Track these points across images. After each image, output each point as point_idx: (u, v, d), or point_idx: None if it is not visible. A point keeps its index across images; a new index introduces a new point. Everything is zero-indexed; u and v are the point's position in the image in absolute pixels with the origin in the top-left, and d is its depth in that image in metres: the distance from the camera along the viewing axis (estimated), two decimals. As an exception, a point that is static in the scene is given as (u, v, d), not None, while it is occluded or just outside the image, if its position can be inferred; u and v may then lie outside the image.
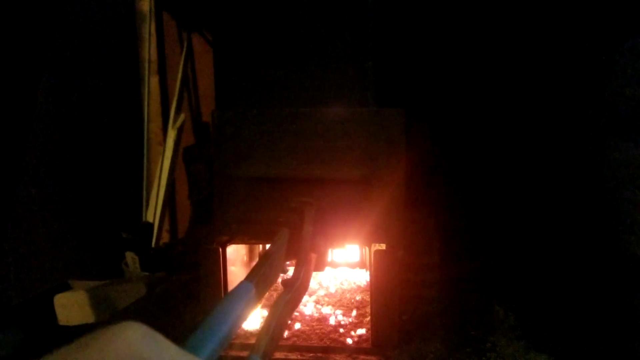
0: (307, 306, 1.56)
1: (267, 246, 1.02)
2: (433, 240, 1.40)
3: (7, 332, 1.48)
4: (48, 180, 1.93)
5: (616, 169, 1.72)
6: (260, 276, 0.68)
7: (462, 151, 2.16)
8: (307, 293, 1.04)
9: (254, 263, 1.70)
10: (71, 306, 1.62)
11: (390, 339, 1.29)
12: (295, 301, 0.78)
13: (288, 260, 0.87)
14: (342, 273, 1.90)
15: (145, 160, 2.41)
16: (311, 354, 1.28)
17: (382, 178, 1.29)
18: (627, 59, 1.67)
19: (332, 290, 1.73)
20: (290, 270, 0.83)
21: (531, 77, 2.06)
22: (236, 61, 1.43)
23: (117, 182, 2.33)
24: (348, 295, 1.68)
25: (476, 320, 1.49)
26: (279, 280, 0.80)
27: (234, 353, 1.28)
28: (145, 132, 2.42)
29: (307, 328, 1.42)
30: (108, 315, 1.61)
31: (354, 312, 1.52)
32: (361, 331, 1.39)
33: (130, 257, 1.99)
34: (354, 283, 1.80)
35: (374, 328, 1.30)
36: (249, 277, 0.66)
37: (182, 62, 2.43)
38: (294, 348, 1.31)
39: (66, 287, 1.78)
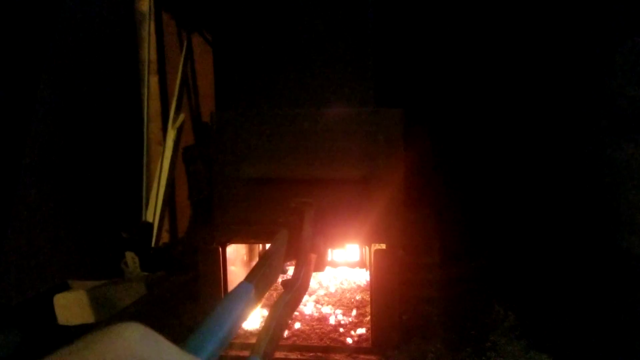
0: (307, 306, 1.56)
1: (267, 246, 1.02)
2: (433, 240, 1.40)
3: (7, 332, 1.48)
4: (48, 181, 1.93)
5: (616, 168, 1.72)
6: (260, 276, 0.68)
7: (461, 151, 2.16)
8: (307, 293, 1.04)
9: (253, 263, 1.70)
10: (71, 306, 1.62)
11: (390, 338, 1.29)
12: (296, 302, 0.78)
13: (288, 261, 0.87)
14: (342, 273, 1.90)
15: (145, 160, 2.41)
16: (311, 354, 1.28)
17: (382, 178, 1.29)
18: (627, 59, 1.67)
19: (332, 289, 1.73)
20: (290, 271, 0.83)
21: (531, 77, 2.06)
22: (236, 61, 1.43)
23: (116, 182, 2.33)
24: (348, 295, 1.68)
25: (476, 320, 1.49)
26: (279, 280, 0.80)
27: (234, 353, 1.28)
28: (145, 132, 2.42)
29: (307, 327, 1.43)
30: (108, 315, 1.61)
31: (354, 312, 1.52)
32: (361, 331, 1.39)
33: (130, 257, 1.99)
34: (354, 282, 1.81)
35: (374, 327, 1.30)
36: (249, 278, 0.66)
37: (181, 62, 2.43)
38: (294, 347, 1.31)
39: (66, 287, 1.78)
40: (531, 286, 1.74)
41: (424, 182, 2.01)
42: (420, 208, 1.70)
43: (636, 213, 1.65)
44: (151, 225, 2.26)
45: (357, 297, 1.66)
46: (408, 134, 1.34)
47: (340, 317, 1.49)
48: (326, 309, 1.55)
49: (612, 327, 1.41)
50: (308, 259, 0.89)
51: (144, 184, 2.39)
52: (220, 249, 1.38)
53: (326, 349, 1.30)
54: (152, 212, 2.32)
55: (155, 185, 2.36)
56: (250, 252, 1.78)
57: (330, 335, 1.37)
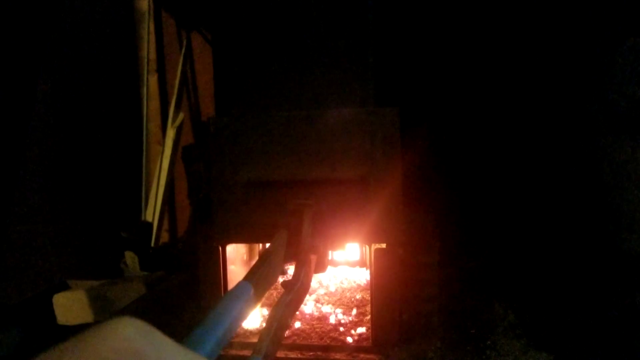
0: (307, 305, 1.56)
1: (267, 245, 1.02)
2: (433, 239, 1.40)
3: (7, 331, 1.48)
4: (47, 180, 1.92)
5: (616, 168, 1.72)
6: (259, 276, 0.68)
7: (461, 150, 2.16)
8: (307, 293, 1.04)
9: (253, 262, 1.70)
10: (70, 306, 1.62)
11: (391, 337, 1.29)
12: (297, 302, 0.78)
13: (287, 262, 0.87)
14: (342, 272, 1.90)
15: (144, 160, 2.41)
16: (311, 353, 1.28)
17: (381, 177, 1.28)
18: (627, 58, 1.67)
19: (332, 289, 1.73)
20: (290, 272, 0.83)
21: (531, 76, 2.06)
22: (235, 61, 1.43)
23: (116, 181, 2.33)
24: (348, 294, 1.68)
25: (476, 319, 1.49)
26: (280, 281, 0.80)
27: (233, 352, 1.28)
28: (144, 131, 2.42)
29: (307, 327, 1.42)
30: (107, 314, 1.61)
31: (354, 311, 1.52)
32: (361, 330, 1.39)
33: (129, 256, 1.99)
34: (354, 282, 1.80)
35: (374, 326, 1.30)
36: (248, 277, 0.66)
37: (181, 61, 2.43)
38: (294, 347, 1.31)
39: (65, 287, 1.78)
40: (531, 285, 1.74)
41: (423, 181, 2.01)
42: (420, 207, 1.70)
43: (636, 212, 1.65)
44: (151, 224, 2.26)
45: (357, 296, 1.65)
46: (408, 134, 1.34)
47: (340, 316, 1.49)
48: (326, 308, 1.55)
49: (612, 327, 1.41)
50: (308, 260, 0.89)
51: (144, 184, 2.39)
52: (220, 249, 1.38)
53: (326, 348, 1.30)
54: (152, 212, 2.32)
55: (154, 184, 2.36)
56: (250, 252, 1.78)
57: (331, 335, 1.37)
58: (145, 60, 2.41)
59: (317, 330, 1.40)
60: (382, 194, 1.28)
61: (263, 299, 1.04)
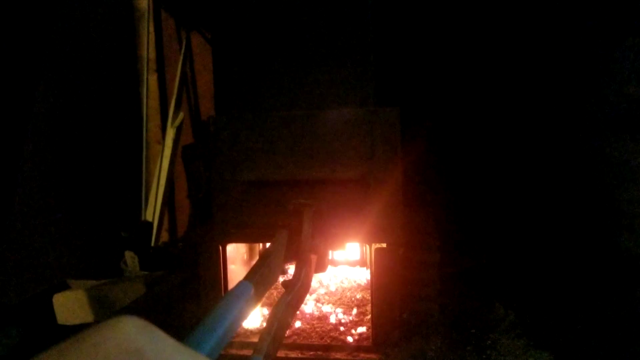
0: (308, 304, 1.56)
1: (267, 245, 1.02)
2: (433, 238, 1.40)
3: (6, 331, 1.48)
4: (47, 180, 1.92)
5: (615, 167, 1.72)
6: (259, 276, 0.68)
7: (461, 150, 2.16)
8: (308, 292, 1.04)
9: (254, 262, 1.70)
10: (70, 305, 1.61)
11: (391, 336, 1.29)
12: (297, 302, 0.78)
13: (288, 262, 0.87)
14: (342, 271, 1.90)
15: (144, 159, 2.40)
16: (311, 352, 1.28)
17: (380, 177, 1.28)
18: (627, 57, 1.67)
19: (333, 288, 1.73)
20: (291, 271, 0.83)
21: (531, 76, 2.06)
22: (235, 61, 1.43)
23: (116, 181, 2.33)
24: (348, 294, 1.68)
25: (476, 318, 1.49)
26: (280, 280, 0.80)
27: (234, 351, 1.28)
28: (144, 131, 2.42)
29: (308, 326, 1.42)
30: (107, 314, 1.61)
31: (355, 311, 1.52)
32: (362, 329, 1.39)
33: (129, 256, 1.99)
34: (355, 281, 1.80)
35: (375, 326, 1.30)
36: (248, 277, 0.66)
37: (180, 60, 2.43)
38: (294, 346, 1.31)
39: (65, 287, 1.78)
40: (531, 285, 1.74)
41: (424, 181, 2.01)
42: (420, 207, 1.70)
43: (636, 212, 1.65)
44: (151, 224, 2.26)
45: (358, 296, 1.65)
46: (408, 134, 1.34)
47: (340, 315, 1.49)
48: (327, 308, 1.55)
49: (612, 326, 1.41)
50: (308, 260, 0.89)
51: (143, 183, 2.38)
52: (221, 248, 1.38)
53: (327, 348, 1.30)
54: (152, 211, 2.32)
55: (154, 184, 2.35)
56: (251, 251, 1.78)
57: (331, 334, 1.37)
58: (145, 59, 2.41)
59: (318, 329, 1.40)
60: (382, 193, 1.28)
61: (263, 299, 1.04)
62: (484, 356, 1.27)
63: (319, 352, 1.28)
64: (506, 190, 2.10)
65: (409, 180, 1.44)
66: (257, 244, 1.79)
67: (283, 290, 0.77)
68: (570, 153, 1.96)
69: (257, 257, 1.77)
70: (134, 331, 0.24)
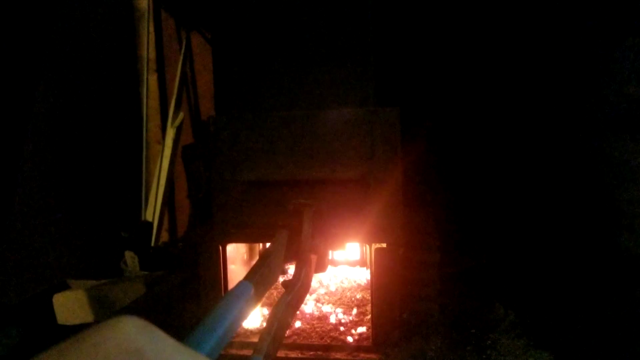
0: (308, 304, 1.56)
1: (267, 245, 1.02)
2: (433, 238, 1.40)
3: (6, 331, 1.48)
4: (47, 180, 1.92)
5: (615, 167, 1.72)
6: (259, 276, 0.68)
7: (461, 150, 2.16)
8: (308, 292, 1.04)
9: (254, 262, 1.70)
10: (70, 305, 1.61)
11: (391, 336, 1.29)
12: (297, 302, 0.78)
13: (288, 262, 0.87)
14: (342, 271, 1.90)
15: (144, 159, 2.40)
16: (312, 352, 1.28)
17: (380, 177, 1.28)
18: (627, 57, 1.67)
19: (333, 288, 1.73)
20: (291, 271, 0.83)
21: (531, 76, 2.06)
22: (235, 61, 1.43)
23: (116, 181, 2.33)
24: (348, 294, 1.68)
25: (476, 318, 1.49)
26: (280, 280, 0.80)
27: (234, 351, 1.28)
28: (144, 131, 2.42)
29: (308, 326, 1.42)
30: (107, 314, 1.61)
31: (355, 311, 1.52)
32: (362, 329, 1.39)
33: (129, 256, 1.99)
34: (355, 281, 1.80)
35: (375, 326, 1.30)
36: (248, 277, 0.66)
37: (180, 60, 2.43)
38: (294, 346, 1.31)
39: (65, 287, 1.78)
40: (531, 285, 1.74)
41: (424, 181, 2.01)
42: (420, 207, 1.70)
43: (636, 212, 1.65)
44: (151, 224, 2.26)
45: (358, 296, 1.65)
46: (407, 133, 1.34)
47: (340, 315, 1.49)
48: (327, 308, 1.55)
49: (612, 326, 1.41)
50: (308, 260, 0.89)
51: (143, 183, 2.38)
52: (221, 248, 1.38)
53: (327, 348, 1.30)
54: (152, 211, 2.32)
55: (154, 184, 2.35)
56: (251, 251, 1.78)
57: (331, 334, 1.37)
58: (145, 59, 2.41)
59: (318, 329, 1.40)
60: (382, 193, 1.28)
61: (263, 299, 1.04)
62: (484, 356, 1.27)
63: (319, 352, 1.28)
64: (506, 190, 2.10)
65: (409, 180, 1.44)
66: (257, 244, 1.79)
67: (283, 290, 0.77)
68: (570, 153, 1.96)
69: (257, 257, 1.77)
70: (134, 331, 0.24)
